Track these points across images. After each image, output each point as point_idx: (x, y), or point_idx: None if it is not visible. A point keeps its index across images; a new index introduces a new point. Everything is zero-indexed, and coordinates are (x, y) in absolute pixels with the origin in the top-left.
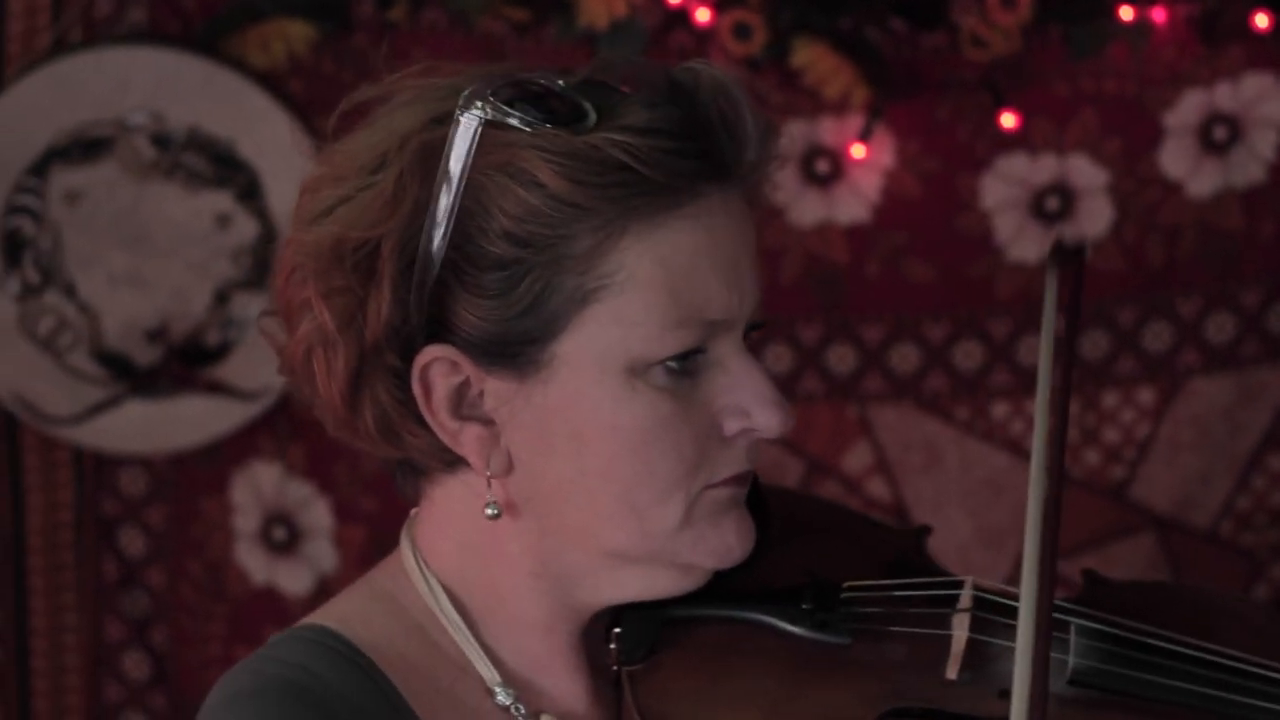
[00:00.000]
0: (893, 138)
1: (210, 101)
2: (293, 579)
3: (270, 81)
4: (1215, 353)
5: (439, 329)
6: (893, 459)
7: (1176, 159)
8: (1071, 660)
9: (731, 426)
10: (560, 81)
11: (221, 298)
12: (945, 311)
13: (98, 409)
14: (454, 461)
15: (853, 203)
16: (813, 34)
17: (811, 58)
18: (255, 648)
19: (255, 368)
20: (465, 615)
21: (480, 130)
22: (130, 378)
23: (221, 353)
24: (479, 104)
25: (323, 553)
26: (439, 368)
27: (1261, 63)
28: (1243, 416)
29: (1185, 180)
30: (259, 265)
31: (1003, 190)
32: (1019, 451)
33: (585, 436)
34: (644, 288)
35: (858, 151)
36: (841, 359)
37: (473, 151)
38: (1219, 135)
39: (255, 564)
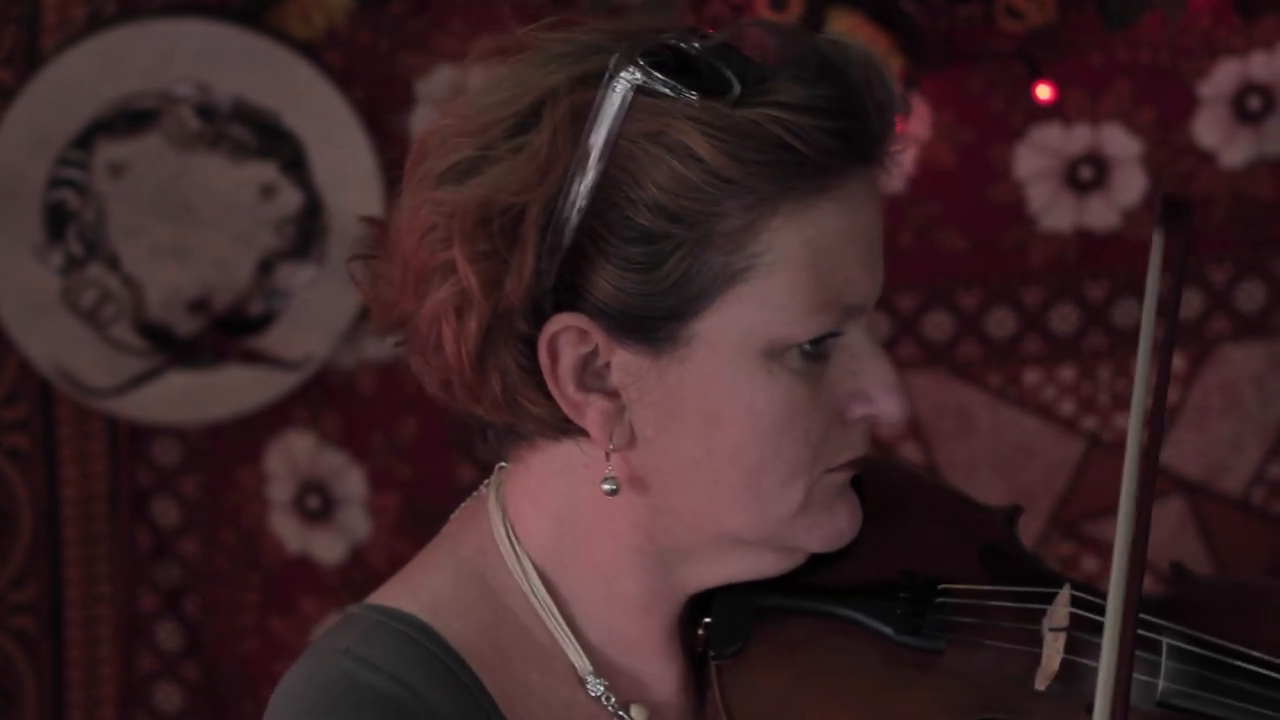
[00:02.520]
0: (927, 108)
1: (255, 73)
2: (327, 548)
3: (311, 52)
4: (1245, 320)
5: (571, 296)
6: (926, 424)
7: (1210, 129)
8: (1161, 684)
9: (855, 411)
10: (697, 44)
11: (265, 268)
12: (978, 280)
13: (139, 380)
14: (569, 432)
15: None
16: (848, 3)
17: (847, 27)
18: (288, 618)
19: (298, 337)
20: (556, 596)
21: (632, 96)
22: (171, 349)
23: (264, 323)
24: (630, 68)
25: (357, 521)
26: (568, 336)
27: None
28: (1273, 384)
29: (1219, 150)
30: (303, 235)
31: (1036, 160)
32: (1050, 416)
33: (718, 417)
34: (791, 269)
35: None
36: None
37: (623, 117)
38: (1253, 105)
39: (289, 533)
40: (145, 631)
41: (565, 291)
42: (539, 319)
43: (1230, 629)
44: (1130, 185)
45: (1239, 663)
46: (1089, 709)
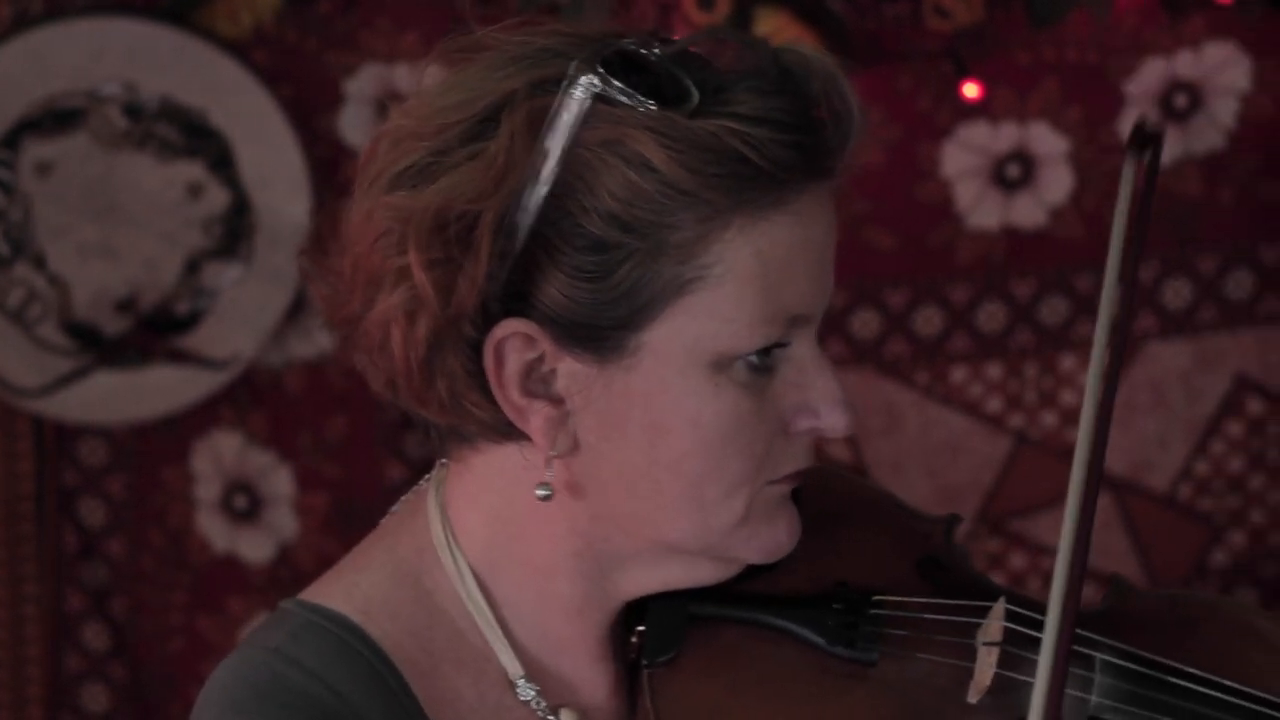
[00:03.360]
0: None
1: (182, 72)
2: (254, 547)
3: (238, 51)
4: (1172, 318)
5: (520, 302)
6: (854, 422)
7: None
8: (1093, 699)
9: (800, 424)
10: (657, 50)
11: (192, 267)
12: (906, 278)
13: (66, 380)
14: (511, 436)
15: None
16: (775, 3)
17: (774, 27)
18: (216, 618)
19: (225, 336)
20: (490, 599)
21: (590, 104)
22: (98, 348)
23: (191, 322)
24: (589, 75)
25: (284, 521)
26: (514, 342)
27: (1222, 31)
28: (1200, 382)
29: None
30: (230, 234)
31: (964, 159)
32: (977, 414)
33: (662, 428)
34: (740, 281)
35: None
36: None
37: (580, 125)
38: (1179, 103)
39: (216, 533)
40: (72, 632)
41: (514, 297)
42: (487, 324)
43: (1165, 645)
44: (1057, 183)
45: (1171, 679)
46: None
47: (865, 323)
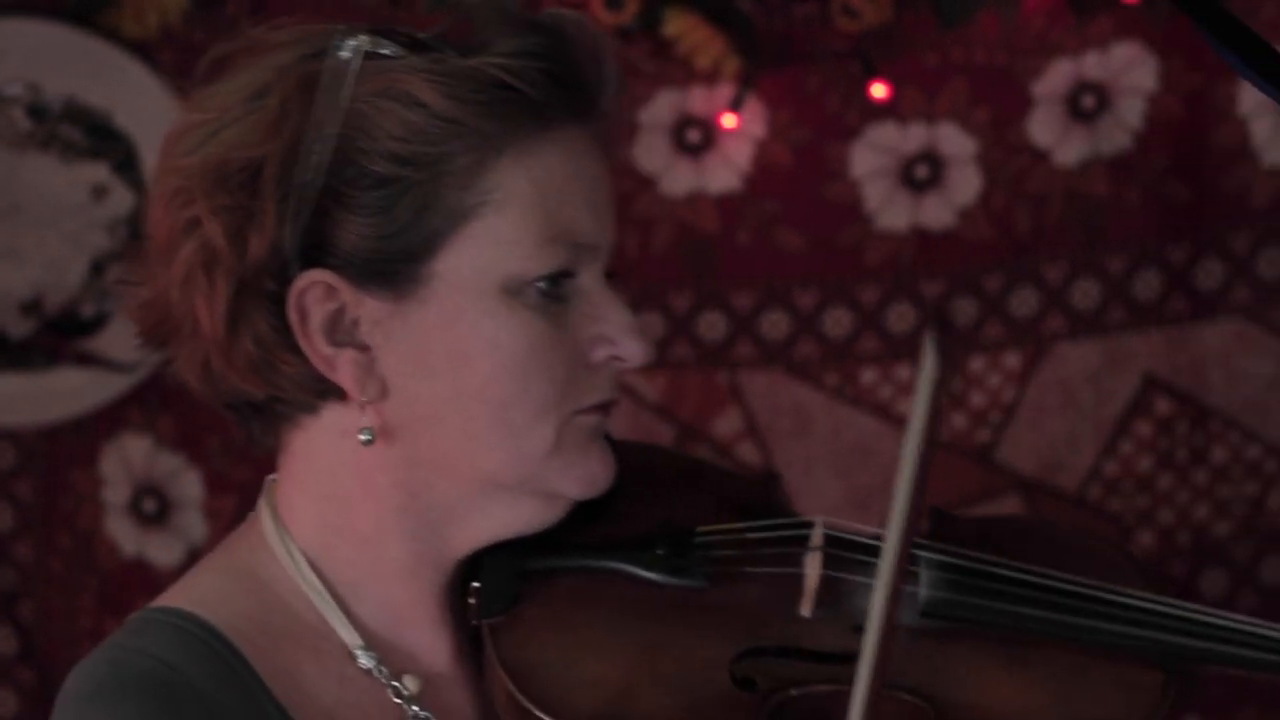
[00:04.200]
0: (764, 107)
1: (87, 73)
2: (163, 550)
3: (144, 52)
4: (1081, 318)
5: (317, 254)
6: (763, 424)
7: (1045, 128)
8: (923, 592)
9: (598, 354)
10: (422, 34)
11: (97, 269)
12: (815, 279)
13: None
14: (324, 393)
15: (724, 172)
16: (684, 4)
17: (683, 28)
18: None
19: (131, 339)
20: (325, 578)
21: (358, 59)
22: (3, 351)
23: (97, 324)
24: (356, 38)
25: (193, 524)
26: (315, 293)
27: (1129, 32)
28: (1109, 382)
29: (1053, 149)
30: (135, 236)
31: (872, 159)
32: (887, 416)
33: (463, 355)
34: (519, 206)
35: (729, 121)
36: (712, 326)
37: (352, 79)
38: (1087, 104)
39: (125, 536)
40: None
41: (311, 249)
42: (287, 278)
43: (988, 553)
44: (966, 184)
45: (995, 569)
46: (857, 629)
47: (774, 324)
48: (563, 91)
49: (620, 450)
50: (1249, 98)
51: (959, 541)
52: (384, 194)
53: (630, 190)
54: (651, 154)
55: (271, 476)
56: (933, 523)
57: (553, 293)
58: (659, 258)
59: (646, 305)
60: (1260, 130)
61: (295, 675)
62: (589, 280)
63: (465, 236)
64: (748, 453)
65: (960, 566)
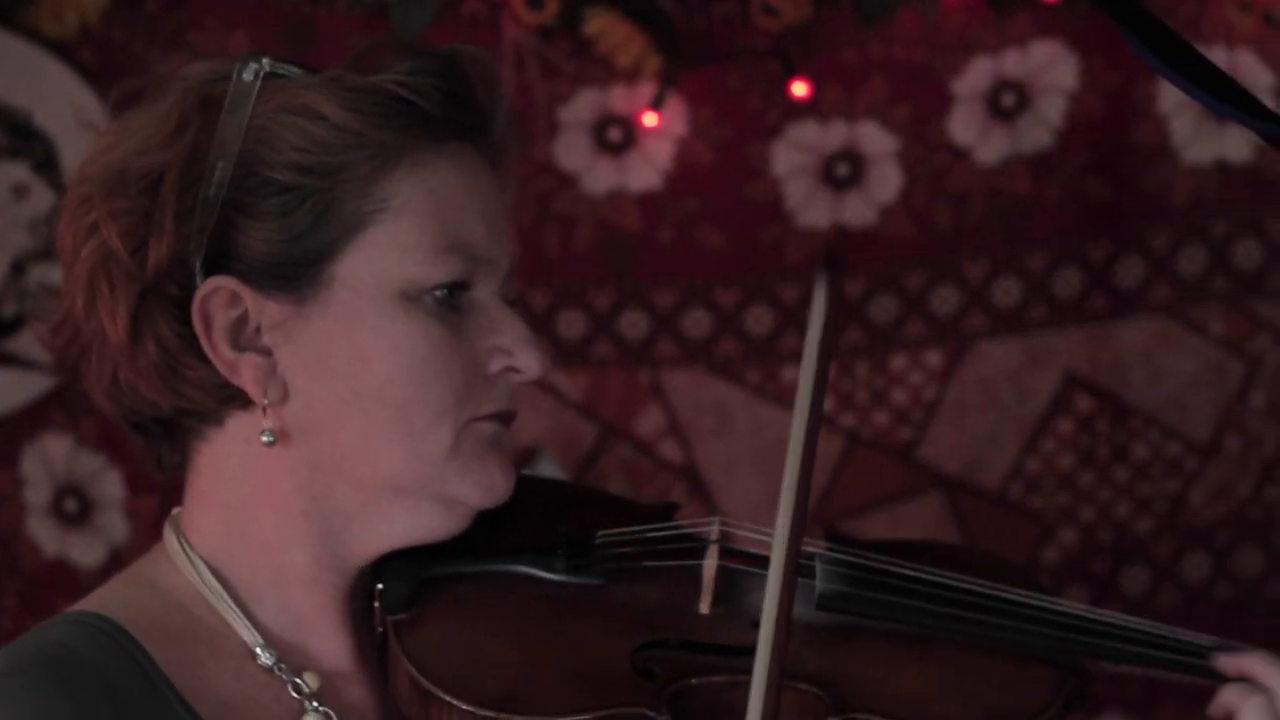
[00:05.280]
0: (684, 106)
1: (6, 72)
2: (85, 551)
3: (64, 51)
4: (1002, 316)
5: (221, 261)
6: (685, 422)
7: (965, 126)
8: (818, 585)
9: (494, 365)
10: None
11: (18, 269)
12: (736, 277)
13: None
14: (227, 400)
15: (645, 170)
16: (604, 3)
17: (603, 26)
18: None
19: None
20: (227, 583)
21: (260, 81)
22: None
23: (17, 325)
24: (260, 59)
25: (115, 524)
26: (219, 298)
27: (1049, 30)
28: (1030, 380)
29: (973, 147)
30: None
31: (793, 157)
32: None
33: (362, 357)
34: (417, 214)
35: (650, 120)
36: (634, 325)
37: (254, 98)
38: (1007, 102)
39: (47, 537)
40: None
41: (214, 258)
42: (191, 285)
43: None
44: (886, 182)
45: (885, 567)
46: (754, 625)
47: (696, 322)
48: (457, 111)
49: (524, 477)
50: (1169, 96)
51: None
52: (286, 200)
53: (551, 188)
54: (572, 152)
55: (176, 510)
56: (828, 540)
57: (450, 302)
58: (580, 256)
59: (567, 304)
60: (1180, 128)
61: (195, 669)
62: (485, 294)
63: (364, 242)
64: (670, 451)
65: (855, 563)
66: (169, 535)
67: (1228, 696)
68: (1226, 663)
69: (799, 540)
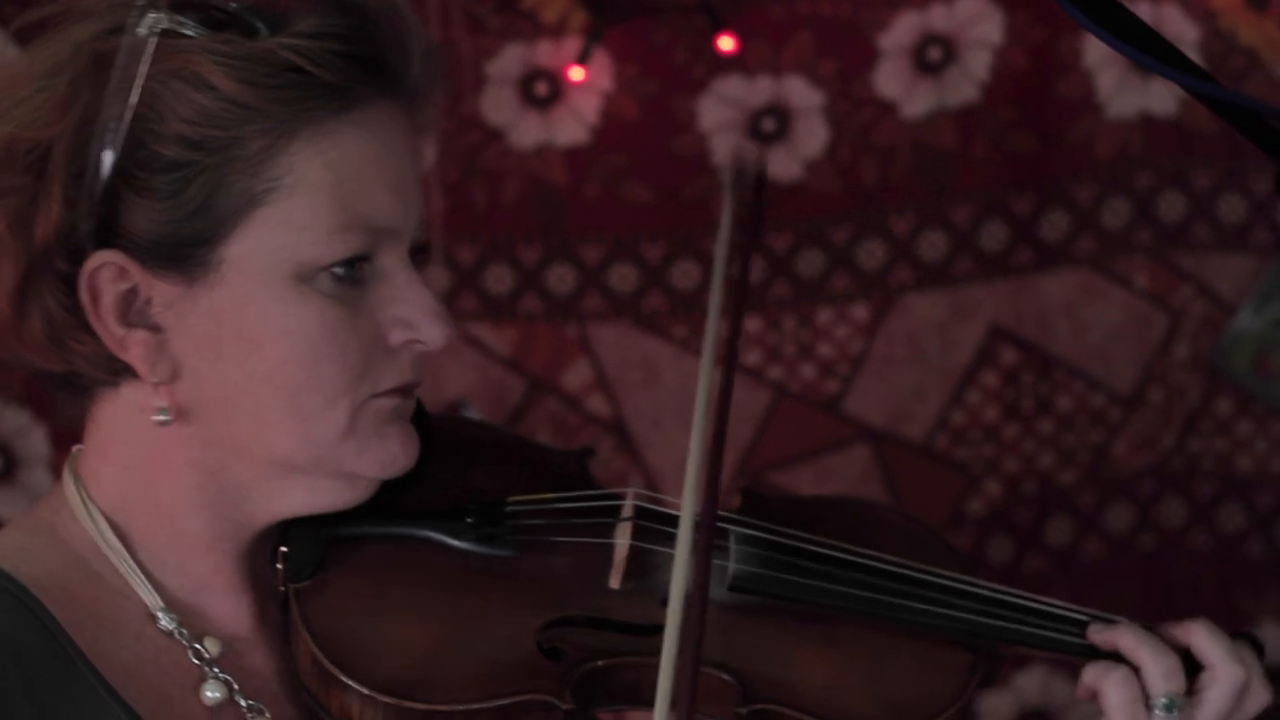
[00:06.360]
0: (611, 61)
1: None
2: (11, 508)
3: None
4: (928, 270)
5: (109, 235)
6: (612, 376)
7: (891, 80)
8: (731, 566)
9: (397, 338)
10: (233, 4)
11: None
12: (663, 232)
13: None
14: (119, 371)
15: (571, 125)
16: None
17: None
18: None
19: None
20: (127, 541)
21: (154, 39)
22: None
23: None
24: (153, 15)
25: (41, 480)
26: (107, 273)
27: None
28: (955, 333)
29: (899, 101)
30: None
31: (720, 112)
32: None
33: (254, 341)
34: (312, 192)
35: (576, 74)
36: (561, 279)
37: (146, 59)
38: (933, 57)
39: None
40: None
41: (104, 230)
42: (79, 259)
43: (799, 529)
44: (812, 137)
45: (803, 545)
46: (665, 602)
47: (623, 277)
48: (363, 72)
49: (434, 423)
50: (1094, 50)
51: (770, 519)
52: (174, 178)
53: (478, 143)
54: (499, 107)
55: (77, 446)
56: (745, 501)
57: (348, 277)
58: (508, 210)
59: (495, 258)
60: (1105, 83)
61: (97, 632)
62: (389, 262)
63: (256, 222)
64: (597, 404)
65: (770, 542)
66: (68, 480)
67: (1089, 676)
68: (1098, 636)
69: (712, 520)
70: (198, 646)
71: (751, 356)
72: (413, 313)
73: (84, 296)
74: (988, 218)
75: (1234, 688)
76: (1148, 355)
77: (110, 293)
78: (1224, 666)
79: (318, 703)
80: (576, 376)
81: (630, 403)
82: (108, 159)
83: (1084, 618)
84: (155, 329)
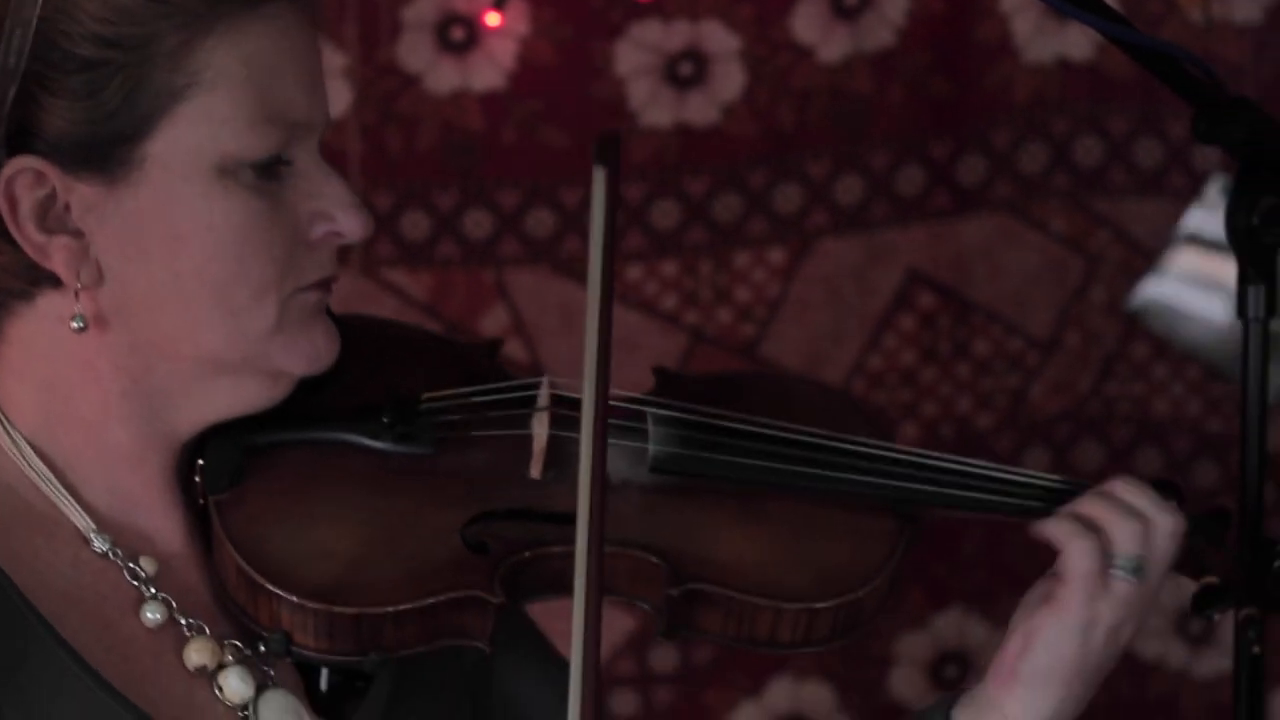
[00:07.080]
0: (527, 5)
1: None
2: None
3: None
4: (844, 214)
5: (25, 140)
6: (530, 321)
7: (808, 24)
8: (651, 448)
9: (317, 231)
10: None
11: None
12: (580, 177)
13: None
14: (38, 280)
15: (488, 70)
16: None
17: None
18: None
19: None
20: (52, 465)
21: None
22: None
23: None
24: None
25: None
26: (24, 179)
27: None
28: (872, 277)
29: (816, 45)
30: None
31: (636, 56)
32: (652, 311)
33: (179, 238)
34: (231, 85)
35: (492, 19)
36: (478, 224)
37: None
38: (850, 1)
39: None
40: None
41: (19, 135)
42: None
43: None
44: (729, 81)
45: (723, 423)
46: None
47: (540, 221)
48: None
49: (341, 322)
50: None
51: (685, 398)
52: (90, 77)
53: (394, 89)
54: (415, 52)
55: None
56: (658, 381)
57: (268, 171)
58: (424, 156)
59: (411, 204)
60: (1022, 26)
61: (29, 561)
62: (304, 158)
63: (176, 118)
64: (515, 350)
65: (688, 421)
66: None
67: (1055, 529)
68: (1070, 508)
69: (605, 406)
70: (133, 566)
71: (668, 301)
72: (331, 205)
73: (1, 204)
74: (904, 162)
75: (1175, 536)
76: (1065, 299)
77: (28, 199)
78: (1160, 516)
79: (246, 615)
80: (493, 322)
81: (547, 348)
82: (17, 64)
83: (1005, 475)
84: (76, 234)
